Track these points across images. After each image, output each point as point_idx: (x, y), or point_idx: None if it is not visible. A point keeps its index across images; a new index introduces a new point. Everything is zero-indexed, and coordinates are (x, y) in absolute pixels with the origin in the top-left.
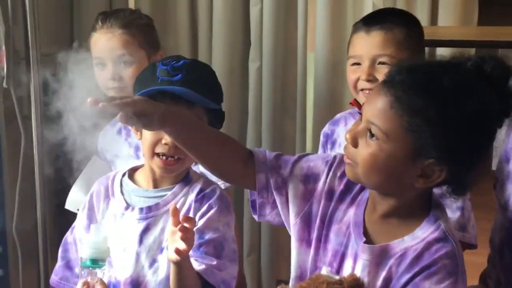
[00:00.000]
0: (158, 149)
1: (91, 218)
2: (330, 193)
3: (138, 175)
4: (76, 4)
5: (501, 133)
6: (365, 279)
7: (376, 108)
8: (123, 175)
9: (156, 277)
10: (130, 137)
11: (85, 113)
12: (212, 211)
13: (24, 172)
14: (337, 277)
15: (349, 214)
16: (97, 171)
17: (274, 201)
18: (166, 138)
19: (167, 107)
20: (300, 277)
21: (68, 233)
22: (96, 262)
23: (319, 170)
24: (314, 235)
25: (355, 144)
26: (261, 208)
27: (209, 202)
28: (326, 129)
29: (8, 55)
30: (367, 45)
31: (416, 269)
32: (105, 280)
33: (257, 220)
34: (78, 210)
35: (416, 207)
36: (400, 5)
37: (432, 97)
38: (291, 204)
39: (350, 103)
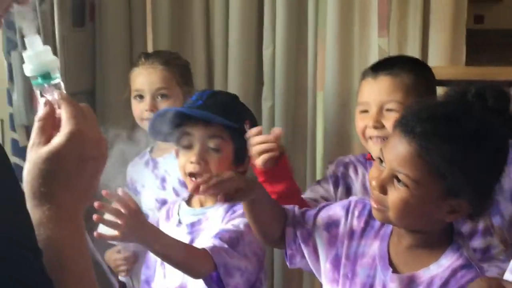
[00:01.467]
0: (188, 169)
1: None
2: (351, 233)
3: (194, 197)
4: (98, 44)
5: None
6: None
7: (401, 157)
8: (183, 199)
9: (198, 284)
10: (157, 169)
11: (117, 148)
12: (239, 213)
13: None
14: None
15: (374, 248)
16: None
17: (303, 251)
18: (192, 157)
19: (258, 183)
20: None
21: None
22: (48, 75)
23: (338, 216)
24: (341, 273)
25: (384, 192)
26: (291, 258)
27: (241, 210)
28: (335, 170)
29: None
30: (375, 91)
31: None
32: None
33: (289, 266)
34: None
35: (440, 237)
36: (392, 46)
37: (458, 143)
38: (320, 251)
39: (367, 158)
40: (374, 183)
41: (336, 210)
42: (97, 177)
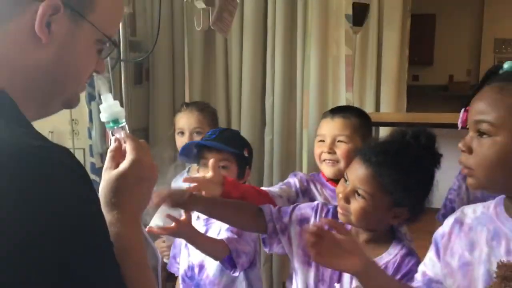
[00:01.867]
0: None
1: None
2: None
3: None
4: (151, 96)
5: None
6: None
7: (361, 177)
8: None
9: (213, 261)
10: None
11: (163, 170)
12: None
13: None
14: None
15: None
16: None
17: (279, 240)
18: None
19: (191, 194)
20: None
21: None
22: (117, 121)
23: (308, 214)
24: None
25: (347, 202)
26: (270, 245)
27: None
28: (300, 183)
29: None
30: (331, 127)
31: (398, 276)
32: (185, 265)
33: (267, 252)
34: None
35: (387, 235)
36: (356, 98)
37: (400, 170)
38: (293, 240)
39: (326, 180)
40: (340, 195)
41: (306, 210)
42: (150, 192)
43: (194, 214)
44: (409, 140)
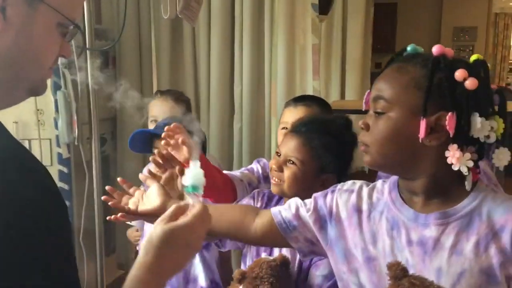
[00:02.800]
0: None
1: None
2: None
3: None
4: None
5: None
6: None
7: (292, 146)
8: None
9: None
10: None
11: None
12: None
13: (89, 197)
14: (271, 258)
15: None
16: None
17: None
18: None
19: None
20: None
21: None
22: (196, 188)
23: (248, 202)
24: None
25: (281, 170)
26: (223, 243)
27: None
28: (263, 170)
29: (78, 124)
30: (293, 115)
31: None
32: None
33: (224, 251)
34: None
35: None
36: (322, 86)
37: (328, 135)
38: None
39: None
40: (274, 166)
41: (246, 200)
42: (188, 260)
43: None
44: (340, 123)
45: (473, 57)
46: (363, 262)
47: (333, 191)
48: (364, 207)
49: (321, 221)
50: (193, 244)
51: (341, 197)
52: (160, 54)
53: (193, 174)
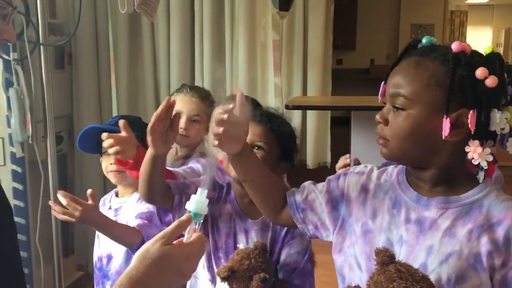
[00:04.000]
0: (109, 168)
1: None
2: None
3: (120, 191)
4: (74, 82)
5: None
6: None
7: (258, 133)
8: (115, 192)
9: (120, 251)
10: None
11: None
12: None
13: (44, 199)
14: (250, 247)
15: (227, 208)
16: None
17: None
18: (111, 159)
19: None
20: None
21: None
22: (196, 215)
23: (211, 195)
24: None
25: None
26: (174, 217)
27: None
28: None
29: (32, 122)
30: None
31: None
32: (96, 256)
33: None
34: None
35: None
36: (283, 83)
37: (287, 126)
38: None
39: None
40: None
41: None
42: (174, 286)
43: (107, 205)
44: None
45: (488, 50)
46: (360, 235)
47: (345, 174)
48: (371, 186)
49: (333, 201)
50: (184, 272)
51: (353, 178)
52: (118, 50)
53: (197, 202)
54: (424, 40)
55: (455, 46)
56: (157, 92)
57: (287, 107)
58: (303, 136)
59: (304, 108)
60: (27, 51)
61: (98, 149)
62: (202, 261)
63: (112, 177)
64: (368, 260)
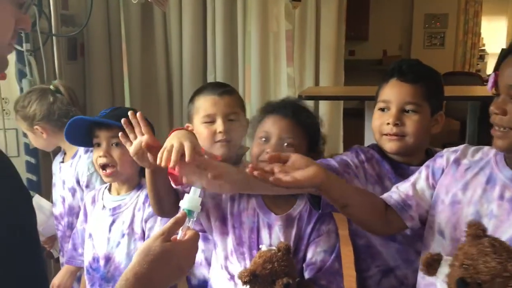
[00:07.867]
0: (99, 161)
1: (86, 215)
2: (232, 198)
3: (112, 186)
4: (87, 73)
5: None
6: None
7: (286, 128)
8: (106, 187)
9: (121, 252)
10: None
11: None
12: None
13: None
14: (273, 248)
15: (251, 203)
16: None
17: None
18: (101, 152)
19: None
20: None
21: (77, 224)
22: (190, 212)
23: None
24: (229, 225)
25: (281, 151)
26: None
27: None
28: None
29: None
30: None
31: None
32: (89, 256)
33: None
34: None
35: None
36: (296, 73)
37: (314, 118)
38: (211, 214)
39: None
40: (269, 150)
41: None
42: (174, 280)
43: (99, 203)
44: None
45: None
46: (448, 204)
47: (441, 156)
48: (465, 161)
49: (435, 180)
50: (183, 268)
51: (450, 156)
52: (130, 40)
53: (190, 200)
54: None
55: None
56: (170, 82)
57: (299, 97)
58: None
59: (317, 98)
60: (40, 42)
61: (87, 141)
62: (220, 262)
63: (105, 178)
64: (453, 229)
